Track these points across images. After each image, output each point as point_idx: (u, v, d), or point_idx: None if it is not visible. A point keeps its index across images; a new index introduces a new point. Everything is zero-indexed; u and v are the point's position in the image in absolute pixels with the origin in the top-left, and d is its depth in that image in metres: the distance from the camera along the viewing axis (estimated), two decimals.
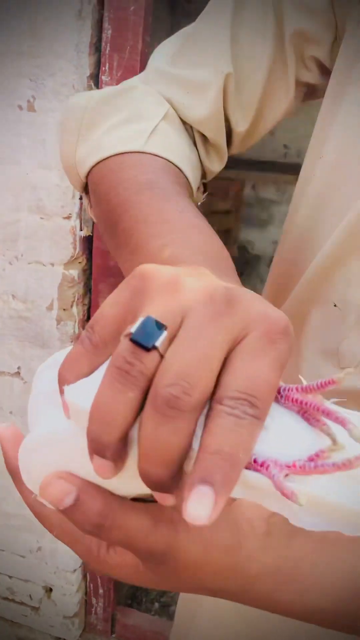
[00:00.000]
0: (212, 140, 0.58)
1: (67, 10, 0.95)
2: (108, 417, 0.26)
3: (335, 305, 0.51)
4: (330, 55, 0.57)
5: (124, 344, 0.27)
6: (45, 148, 1.06)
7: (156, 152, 0.53)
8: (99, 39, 0.99)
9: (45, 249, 1.15)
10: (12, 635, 1.55)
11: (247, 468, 0.27)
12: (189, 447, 0.26)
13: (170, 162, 0.53)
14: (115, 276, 1.14)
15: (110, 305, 0.29)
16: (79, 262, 1.16)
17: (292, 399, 0.28)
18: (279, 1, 0.55)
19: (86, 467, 0.28)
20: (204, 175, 0.62)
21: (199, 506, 0.25)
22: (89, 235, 1.14)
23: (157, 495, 0.27)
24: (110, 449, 0.26)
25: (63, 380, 0.28)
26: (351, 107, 0.51)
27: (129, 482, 0.28)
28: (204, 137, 0.58)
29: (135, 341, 0.26)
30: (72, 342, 1.20)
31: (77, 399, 0.27)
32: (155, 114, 0.55)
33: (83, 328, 1.21)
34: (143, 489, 0.27)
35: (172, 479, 0.27)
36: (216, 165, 0.61)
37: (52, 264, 1.16)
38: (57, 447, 0.30)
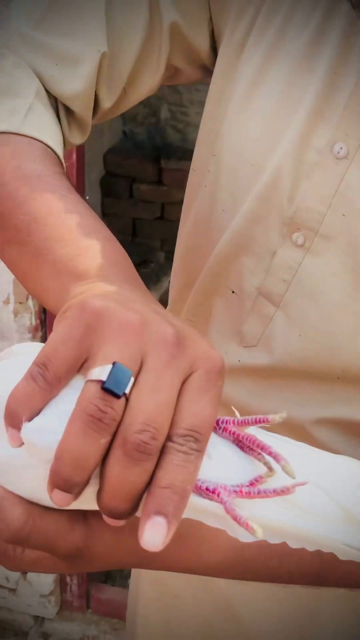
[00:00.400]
0: (79, 116, 0.56)
1: None
2: (82, 462, 0.28)
3: (233, 292, 0.58)
4: (210, 51, 0.58)
5: (94, 391, 0.28)
6: None
7: (34, 134, 0.50)
8: None
9: None
10: None
11: (198, 493, 0.30)
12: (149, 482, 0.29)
13: (49, 146, 0.51)
14: None
15: (63, 342, 0.30)
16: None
17: (229, 431, 0.32)
18: None
19: (26, 486, 0.31)
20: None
21: (154, 534, 0.28)
22: None
23: (111, 521, 0.30)
24: (79, 487, 0.28)
25: (15, 415, 0.29)
26: (235, 108, 0.54)
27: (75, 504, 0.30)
28: (68, 111, 0.56)
29: (107, 389, 0.28)
30: (29, 332, 1.28)
31: (34, 437, 0.29)
32: (28, 90, 0.53)
33: (39, 320, 1.29)
34: (83, 505, 0.30)
35: (134, 511, 0.29)
36: (78, 139, 0.58)
37: None
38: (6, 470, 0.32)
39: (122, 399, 0.28)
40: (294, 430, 0.55)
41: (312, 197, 0.50)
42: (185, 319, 0.62)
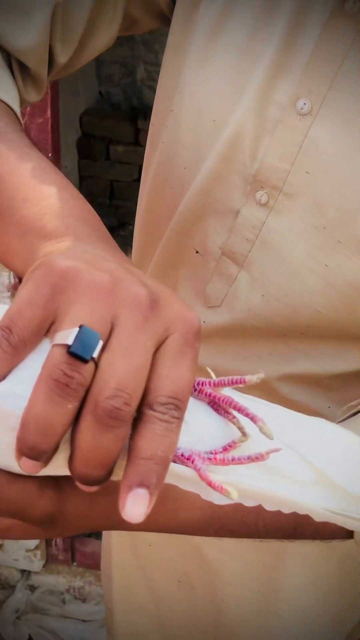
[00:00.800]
0: (33, 71, 0.53)
1: None
2: (48, 429, 0.27)
3: (197, 252, 0.57)
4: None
5: (60, 355, 0.27)
6: None
7: None
8: None
9: None
10: None
11: (172, 461, 0.29)
12: (123, 448, 0.28)
13: (5, 103, 0.49)
14: None
15: (28, 304, 0.28)
16: None
17: (205, 393, 0.31)
18: None
19: None
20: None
21: (136, 506, 0.27)
22: None
23: (84, 487, 0.29)
24: (47, 454, 0.27)
25: None
26: (193, 61, 0.52)
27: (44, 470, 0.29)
28: (23, 67, 0.53)
29: (73, 353, 0.26)
30: (8, 291, 1.29)
31: (0, 402, 0.28)
32: None
33: (18, 278, 1.30)
34: (55, 472, 0.30)
35: (106, 477, 0.28)
36: (33, 96, 0.56)
37: None
38: None
39: (91, 364, 0.27)
40: (258, 387, 0.56)
41: (275, 154, 0.49)
42: (166, 265, 0.61)
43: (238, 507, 0.33)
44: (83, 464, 0.28)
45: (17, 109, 0.50)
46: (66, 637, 1.57)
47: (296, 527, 0.43)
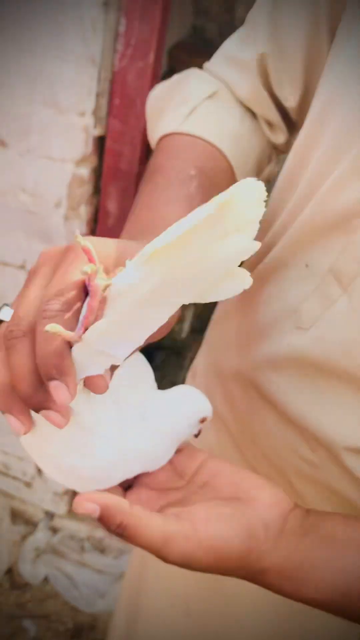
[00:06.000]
0: (261, 116, 0.62)
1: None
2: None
3: (307, 266, 0.53)
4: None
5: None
6: (64, 39, 1.02)
7: (189, 131, 0.59)
8: None
9: (57, 144, 1.14)
10: (6, 505, 1.69)
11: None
12: (34, 362, 0.34)
13: (205, 139, 0.59)
14: (124, 180, 1.14)
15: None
16: (90, 162, 1.15)
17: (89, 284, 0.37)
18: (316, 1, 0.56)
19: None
20: (276, 147, 0.68)
21: (60, 396, 0.33)
22: (102, 136, 1.13)
23: (47, 415, 0.35)
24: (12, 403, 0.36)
25: None
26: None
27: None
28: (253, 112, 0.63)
29: None
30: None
31: None
32: (198, 95, 0.62)
33: (90, 229, 1.22)
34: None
35: (36, 390, 0.34)
36: (281, 138, 0.65)
37: (63, 161, 1.15)
38: None
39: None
40: (318, 450, 0.52)
41: None
42: (255, 278, 0.59)
43: None
44: (15, 385, 0.35)
45: (220, 142, 0.60)
46: (81, 584, 1.58)
47: None
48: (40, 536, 1.63)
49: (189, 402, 0.43)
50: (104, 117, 1.10)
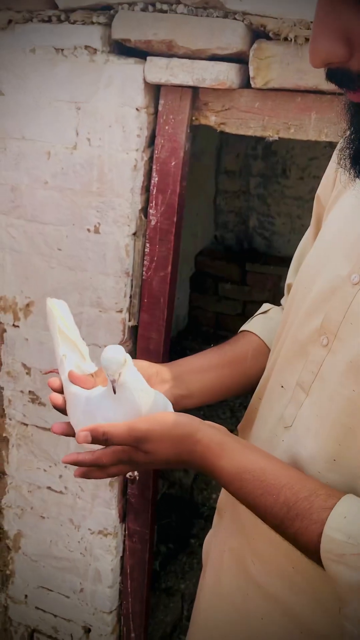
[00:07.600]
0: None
1: (125, 166, 1.31)
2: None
3: (282, 387, 0.77)
4: None
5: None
6: (106, 260, 1.40)
7: (251, 329, 1.03)
8: (149, 184, 1.34)
9: (101, 334, 1.46)
10: None
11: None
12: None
13: (258, 337, 1.00)
14: (152, 357, 1.44)
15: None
16: (126, 345, 1.47)
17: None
18: None
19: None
20: None
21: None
22: (135, 325, 1.45)
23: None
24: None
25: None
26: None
27: None
28: None
29: None
30: None
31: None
32: (258, 311, 1.09)
33: None
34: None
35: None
36: None
37: (106, 346, 1.47)
38: None
39: None
40: None
41: (335, 309, 0.70)
42: (256, 398, 0.88)
43: (257, 482, 0.67)
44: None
45: (270, 341, 0.97)
46: None
47: (284, 519, 0.63)
48: None
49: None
50: (136, 312, 1.44)
